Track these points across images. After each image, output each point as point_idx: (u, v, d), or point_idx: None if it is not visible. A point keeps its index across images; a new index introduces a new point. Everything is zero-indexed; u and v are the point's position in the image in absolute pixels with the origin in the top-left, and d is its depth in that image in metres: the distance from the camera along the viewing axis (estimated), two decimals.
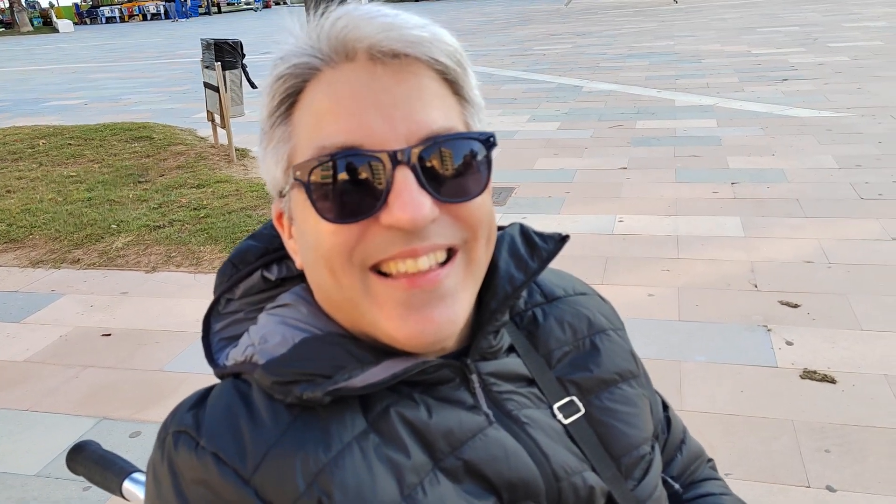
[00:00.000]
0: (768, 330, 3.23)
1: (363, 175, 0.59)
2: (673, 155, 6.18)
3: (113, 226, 5.25)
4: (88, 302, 4.10)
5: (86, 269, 4.60)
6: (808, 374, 2.87)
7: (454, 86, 0.65)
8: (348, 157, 0.59)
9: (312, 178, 0.60)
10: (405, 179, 0.59)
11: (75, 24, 40.86)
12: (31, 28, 38.66)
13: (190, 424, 0.62)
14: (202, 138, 8.10)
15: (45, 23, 41.36)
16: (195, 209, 5.49)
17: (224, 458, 0.60)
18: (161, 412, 2.97)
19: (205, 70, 7.18)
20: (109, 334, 3.69)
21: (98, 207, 5.72)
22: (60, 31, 37.06)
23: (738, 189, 5.17)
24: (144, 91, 12.85)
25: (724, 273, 3.84)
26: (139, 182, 6.43)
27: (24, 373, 3.37)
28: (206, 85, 7.21)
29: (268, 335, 0.68)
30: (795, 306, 3.42)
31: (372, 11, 0.62)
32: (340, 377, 0.63)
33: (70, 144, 7.94)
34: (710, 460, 0.98)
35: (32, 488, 2.58)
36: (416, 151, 0.59)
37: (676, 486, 0.86)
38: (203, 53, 7.13)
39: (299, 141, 0.63)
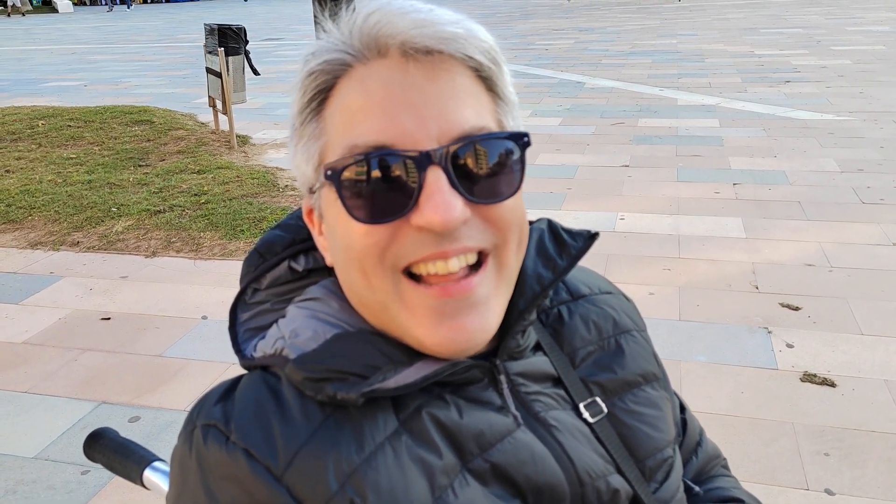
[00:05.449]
0: (769, 332, 3.24)
1: (394, 175, 0.59)
2: (675, 154, 6.18)
3: (113, 209, 5.23)
4: (88, 285, 4.09)
5: (85, 251, 4.59)
6: (809, 377, 2.88)
7: (488, 83, 0.65)
8: (379, 157, 0.58)
9: (343, 177, 0.60)
10: (437, 180, 0.58)
11: (75, 4, 40.61)
12: (30, 7, 38.40)
13: (219, 418, 0.61)
14: (203, 124, 8.07)
15: (45, 2, 41.06)
16: (196, 195, 5.47)
17: (256, 454, 0.59)
18: (160, 398, 2.97)
19: (207, 55, 7.14)
20: (109, 318, 3.68)
21: (98, 190, 5.69)
22: (60, 11, 36.82)
23: (740, 190, 5.17)
24: (144, 74, 12.78)
25: (726, 274, 3.84)
26: (139, 166, 6.40)
27: (22, 354, 3.36)
28: (209, 70, 7.17)
29: (298, 329, 0.67)
30: (796, 309, 3.42)
31: (405, 6, 0.61)
32: (375, 379, 0.62)
33: (70, 126, 7.90)
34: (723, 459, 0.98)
35: (30, 471, 2.57)
36: (447, 152, 0.59)
37: (697, 488, 0.86)
38: (206, 38, 7.08)
39: (331, 138, 0.63)
